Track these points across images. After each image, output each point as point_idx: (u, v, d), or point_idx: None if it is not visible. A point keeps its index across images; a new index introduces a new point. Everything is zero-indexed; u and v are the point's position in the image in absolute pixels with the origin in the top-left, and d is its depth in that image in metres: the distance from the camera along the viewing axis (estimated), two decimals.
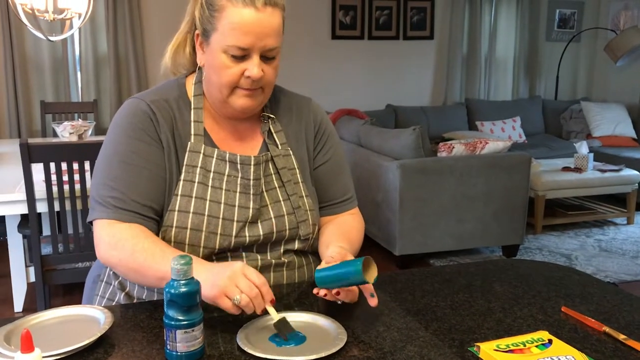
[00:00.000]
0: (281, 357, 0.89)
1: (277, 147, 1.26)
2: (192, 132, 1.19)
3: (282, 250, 1.23)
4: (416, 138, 3.44)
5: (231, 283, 0.96)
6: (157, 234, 1.16)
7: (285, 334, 0.96)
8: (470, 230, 3.58)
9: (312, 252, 1.30)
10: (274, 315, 0.98)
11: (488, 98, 5.95)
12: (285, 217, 1.22)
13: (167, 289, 0.89)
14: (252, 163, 1.20)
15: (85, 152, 2.29)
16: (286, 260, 1.23)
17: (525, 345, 0.92)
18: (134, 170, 1.15)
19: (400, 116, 5.48)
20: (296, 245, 1.24)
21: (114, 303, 1.24)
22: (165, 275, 1.04)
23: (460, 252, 3.80)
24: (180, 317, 0.89)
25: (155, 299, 1.19)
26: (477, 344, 0.93)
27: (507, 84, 5.97)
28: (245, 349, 0.91)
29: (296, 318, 1.03)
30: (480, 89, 5.86)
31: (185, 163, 1.17)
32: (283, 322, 0.97)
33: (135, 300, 1.22)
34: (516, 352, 0.90)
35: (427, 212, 3.46)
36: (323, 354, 0.90)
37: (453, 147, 3.59)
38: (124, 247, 1.09)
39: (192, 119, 1.20)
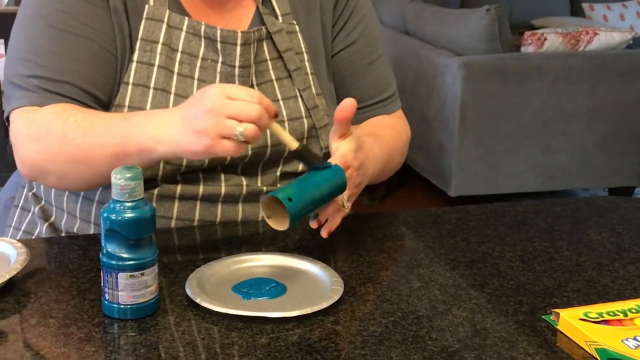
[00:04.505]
0: (247, 313, 0.91)
1: (277, 18, 1.24)
2: None
3: (279, 173, 1.24)
4: (490, 24, 3.37)
5: (220, 118, 0.95)
6: None
7: (312, 163, 1.01)
8: (564, 164, 3.56)
9: None
10: (287, 139, 1.00)
11: None
12: (286, 123, 1.22)
13: (105, 214, 0.90)
14: (239, 41, 1.19)
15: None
16: None
17: (626, 315, 0.92)
18: (67, 40, 1.14)
19: None
20: (300, 165, 1.25)
21: (33, 237, 1.26)
22: (120, 149, 1.04)
23: (546, 196, 3.79)
24: (125, 255, 0.90)
25: (92, 232, 1.21)
26: (556, 310, 0.93)
27: None
28: (199, 301, 0.93)
29: (275, 261, 1.05)
30: None
31: (140, 37, 1.16)
32: (304, 149, 1.01)
33: (63, 234, 1.24)
34: (612, 323, 0.91)
35: (501, 135, 3.44)
36: (308, 310, 0.92)
37: (545, 39, 3.52)
38: (50, 132, 1.09)
39: None
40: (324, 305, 0.93)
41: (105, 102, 1.17)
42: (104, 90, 1.16)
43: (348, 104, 1.03)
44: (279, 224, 0.99)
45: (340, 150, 1.05)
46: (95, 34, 1.15)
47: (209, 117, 0.95)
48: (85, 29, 1.15)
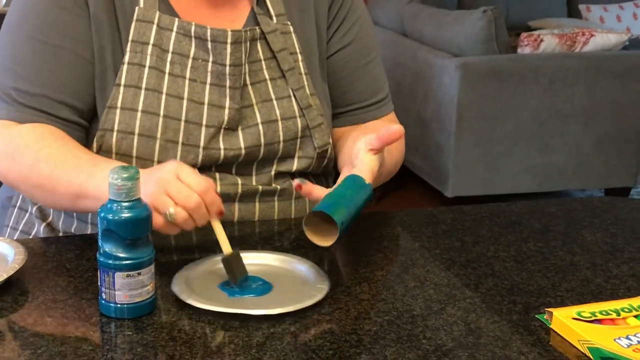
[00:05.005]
0: (231, 310, 0.91)
1: (272, 19, 1.25)
2: None
3: (273, 173, 1.25)
4: (487, 25, 3.38)
5: (160, 191, 0.97)
6: (84, 145, 1.16)
7: (234, 276, 0.98)
8: (560, 165, 3.56)
9: (317, 176, 1.32)
10: (223, 242, 1.00)
11: None
12: (279, 122, 1.22)
13: (102, 214, 0.90)
14: (229, 40, 1.19)
15: None
16: (279, 187, 1.25)
17: (619, 315, 0.93)
18: (47, 52, 1.16)
19: None
20: (294, 165, 1.25)
21: (30, 237, 1.27)
22: (81, 190, 1.06)
23: (543, 197, 3.80)
24: (122, 255, 0.90)
25: (89, 232, 1.22)
26: (550, 309, 0.94)
27: None
28: (183, 297, 0.93)
29: (263, 260, 1.06)
30: None
31: (130, 38, 1.17)
32: (235, 257, 1.00)
33: (60, 234, 1.25)
34: (605, 322, 0.91)
35: (497, 136, 3.45)
36: (291, 308, 0.92)
37: (542, 41, 3.53)
38: (24, 156, 1.12)
39: None
40: (308, 303, 0.94)
41: (85, 112, 1.18)
42: (84, 100, 1.17)
43: (396, 130, 1.09)
44: (317, 237, 1.03)
45: (371, 166, 1.09)
46: (75, 44, 1.17)
47: (152, 186, 0.97)
48: (65, 40, 1.16)
